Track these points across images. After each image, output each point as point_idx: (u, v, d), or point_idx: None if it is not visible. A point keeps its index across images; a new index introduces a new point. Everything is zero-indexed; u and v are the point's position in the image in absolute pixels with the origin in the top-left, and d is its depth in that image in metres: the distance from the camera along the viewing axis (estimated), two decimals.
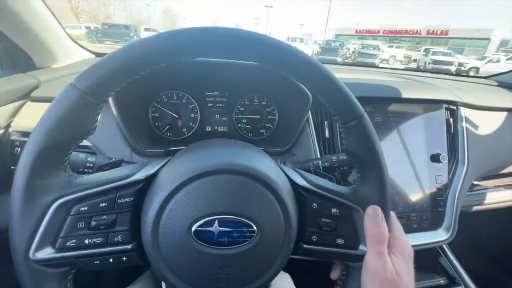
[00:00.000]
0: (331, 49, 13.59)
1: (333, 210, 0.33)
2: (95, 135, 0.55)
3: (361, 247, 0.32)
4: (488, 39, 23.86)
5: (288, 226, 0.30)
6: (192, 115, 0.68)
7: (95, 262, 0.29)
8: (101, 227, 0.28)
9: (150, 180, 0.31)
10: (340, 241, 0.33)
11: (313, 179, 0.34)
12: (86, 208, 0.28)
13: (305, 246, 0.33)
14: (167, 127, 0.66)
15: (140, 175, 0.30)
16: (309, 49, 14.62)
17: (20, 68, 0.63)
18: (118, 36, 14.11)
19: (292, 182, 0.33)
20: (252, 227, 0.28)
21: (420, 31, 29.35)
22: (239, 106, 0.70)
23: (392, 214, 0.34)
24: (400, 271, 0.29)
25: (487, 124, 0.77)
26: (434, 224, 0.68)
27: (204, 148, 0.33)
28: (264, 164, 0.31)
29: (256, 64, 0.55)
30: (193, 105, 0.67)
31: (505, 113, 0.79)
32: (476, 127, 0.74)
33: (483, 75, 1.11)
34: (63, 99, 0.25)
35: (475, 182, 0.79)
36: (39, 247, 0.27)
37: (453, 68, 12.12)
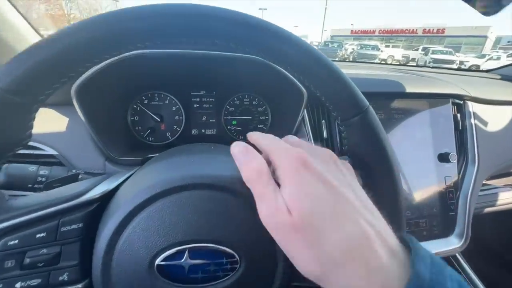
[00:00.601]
0: (329, 51, 13.37)
1: None
2: (62, 141, 0.50)
3: None
4: (485, 36, 23.97)
5: (281, 253, 0.23)
6: (176, 118, 0.62)
7: None
8: (39, 265, 0.22)
9: (105, 200, 0.25)
10: None
11: None
12: (16, 241, 0.22)
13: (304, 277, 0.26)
14: (149, 131, 0.60)
15: (94, 193, 0.24)
16: None
17: None
18: None
19: None
20: (233, 256, 0.22)
21: (416, 30, 29.49)
22: (228, 106, 0.64)
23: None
24: (292, 202, 0.18)
25: (495, 119, 0.72)
26: (445, 230, 0.62)
27: (175, 157, 0.27)
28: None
29: (246, 59, 0.51)
30: (177, 106, 0.62)
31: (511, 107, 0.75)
32: (484, 122, 0.70)
33: (484, 70, 1.09)
34: None
35: (485, 182, 0.74)
36: None
37: (454, 67, 11.94)
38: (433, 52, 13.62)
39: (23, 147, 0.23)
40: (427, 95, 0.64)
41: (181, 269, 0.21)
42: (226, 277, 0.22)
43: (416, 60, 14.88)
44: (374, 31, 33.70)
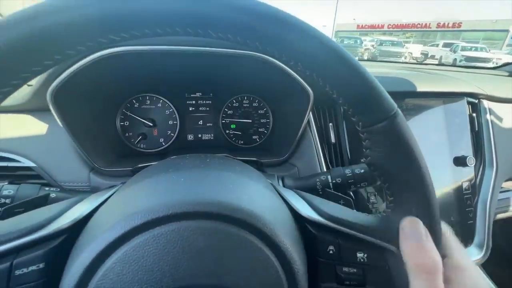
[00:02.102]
0: (348, 48, 12.94)
1: (359, 255, 0.23)
2: (40, 151, 0.45)
3: None
4: (506, 31, 22.07)
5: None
6: (170, 122, 0.59)
7: None
8: None
9: (76, 230, 0.20)
10: None
11: (325, 207, 0.25)
12: None
13: None
14: (140, 137, 0.57)
15: (60, 223, 0.20)
16: None
17: None
18: None
19: (296, 215, 0.24)
20: None
21: (430, 24, 27.70)
22: (226, 109, 0.61)
23: (447, 228, 0.24)
24: None
25: (510, 117, 0.70)
26: (464, 240, 0.59)
27: (163, 175, 0.23)
28: (252, 195, 0.22)
29: (245, 56, 0.47)
30: (171, 110, 0.59)
31: None
32: (501, 121, 0.67)
33: (490, 67, 1.07)
34: None
35: (502, 185, 0.72)
36: None
37: (490, 66, 10.37)
38: (463, 49, 11.37)
39: None
40: (440, 94, 0.61)
41: None
42: None
43: (439, 57, 12.82)
44: (382, 26, 32.02)
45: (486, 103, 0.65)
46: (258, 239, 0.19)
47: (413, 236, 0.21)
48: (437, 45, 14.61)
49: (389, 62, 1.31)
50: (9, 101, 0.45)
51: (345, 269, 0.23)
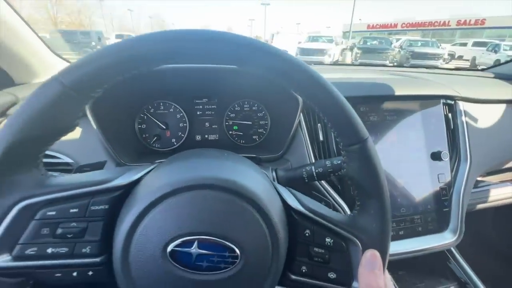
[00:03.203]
0: (376, 50, 9.80)
1: (327, 239, 0.31)
2: (76, 150, 0.56)
3: (355, 284, 0.30)
4: None
5: (276, 253, 0.28)
6: (180, 125, 0.68)
7: (56, 274, 0.27)
8: (68, 236, 0.27)
9: (129, 188, 0.29)
10: (332, 275, 0.31)
11: (308, 202, 0.32)
12: (54, 212, 0.26)
13: (293, 277, 0.31)
14: (155, 138, 0.67)
15: (120, 181, 0.29)
16: (338, 51, 11.13)
17: None
18: (76, 45, 11.80)
19: (285, 204, 0.32)
20: (235, 251, 0.26)
21: (449, 21, 25.68)
22: (229, 113, 0.70)
23: (387, 276, 0.31)
24: None
25: (487, 117, 0.77)
26: (439, 226, 0.67)
27: (192, 159, 0.32)
28: (256, 182, 0.30)
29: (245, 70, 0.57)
30: (181, 114, 0.68)
31: (504, 105, 0.79)
32: (476, 121, 0.75)
33: (479, 69, 1.14)
34: (45, 92, 0.24)
35: (479, 179, 0.79)
36: None
37: None
38: (508, 48, 9.98)
39: (66, 134, 0.28)
40: (418, 97, 0.69)
41: (189, 256, 0.25)
42: (226, 269, 0.26)
43: (470, 58, 11.91)
44: (395, 25, 29.79)
45: (461, 104, 0.73)
46: (257, 212, 0.27)
47: (370, 265, 0.29)
48: (465, 45, 13.65)
49: (373, 66, 1.38)
50: None
51: (316, 249, 0.31)
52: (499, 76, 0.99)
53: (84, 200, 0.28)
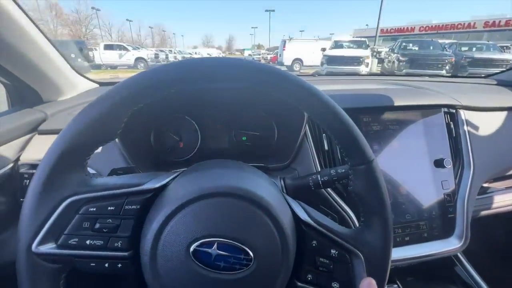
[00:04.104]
0: (428, 57, 7.59)
1: (332, 251, 0.34)
2: (98, 162, 0.62)
3: None
4: None
5: (286, 260, 0.31)
6: (193, 136, 0.73)
7: (91, 264, 0.31)
8: (104, 230, 0.30)
9: (158, 191, 0.33)
10: (335, 284, 0.33)
11: (316, 215, 0.35)
12: (94, 209, 0.31)
13: (299, 284, 0.33)
14: (169, 149, 0.72)
15: (150, 185, 0.33)
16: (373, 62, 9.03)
17: (28, 103, 0.70)
18: None
19: (295, 215, 0.35)
20: (249, 254, 0.29)
21: (474, 23, 23.49)
22: (238, 124, 0.75)
23: None
24: None
25: (489, 124, 0.79)
26: (445, 232, 0.69)
27: (215, 169, 0.36)
28: (270, 193, 0.33)
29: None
30: (194, 126, 0.73)
31: (505, 113, 0.81)
32: (478, 128, 0.77)
33: (482, 76, 1.16)
34: (97, 106, 0.29)
35: (485, 185, 0.80)
36: (42, 241, 0.29)
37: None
38: None
39: (110, 142, 0.32)
40: (419, 107, 0.72)
41: (209, 256, 0.29)
42: (241, 270, 0.29)
43: None
44: (412, 29, 27.70)
45: (463, 113, 0.76)
46: (270, 221, 0.30)
47: None
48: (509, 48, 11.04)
49: (375, 76, 1.41)
50: None
51: (321, 259, 0.34)
52: (501, 83, 1.01)
53: (120, 200, 0.32)
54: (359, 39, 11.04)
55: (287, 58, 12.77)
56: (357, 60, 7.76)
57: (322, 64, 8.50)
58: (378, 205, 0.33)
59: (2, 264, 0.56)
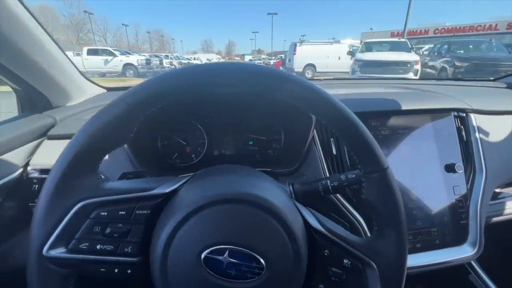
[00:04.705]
0: (498, 62, 5.95)
1: (345, 260, 0.33)
2: (105, 165, 0.62)
3: None
4: None
5: (298, 269, 0.30)
6: (199, 141, 0.73)
7: (101, 269, 0.30)
8: (114, 235, 0.30)
9: (169, 196, 0.33)
10: None
11: (327, 223, 0.35)
12: (105, 213, 0.30)
13: None
14: (176, 154, 0.72)
15: (161, 190, 0.33)
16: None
17: (38, 109, 0.71)
18: None
19: (306, 223, 0.34)
20: (261, 263, 0.29)
21: (496, 25, 20.75)
22: (245, 128, 0.74)
23: None
24: None
25: (501, 128, 0.78)
26: (458, 239, 0.67)
27: (225, 174, 0.36)
28: (282, 201, 0.32)
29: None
30: (200, 131, 0.73)
31: None
32: (490, 132, 0.75)
33: (491, 78, 1.15)
34: (111, 109, 0.29)
35: (497, 190, 0.79)
36: (53, 245, 0.28)
37: None
38: None
39: (121, 146, 0.31)
40: (429, 111, 0.71)
41: (220, 263, 0.28)
42: (252, 279, 0.29)
43: None
44: (426, 31, 25.41)
45: (473, 116, 0.74)
46: (283, 229, 0.30)
47: None
48: None
49: (384, 80, 1.40)
50: None
51: (334, 269, 0.33)
52: (511, 86, 1.00)
53: (131, 204, 0.32)
54: (397, 39, 9.25)
55: (299, 63, 11.15)
56: (403, 66, 6.24)
57: (353, 71, 6.88)
58: (393, 214, 0.32)
59: (12, 268, 0.56)
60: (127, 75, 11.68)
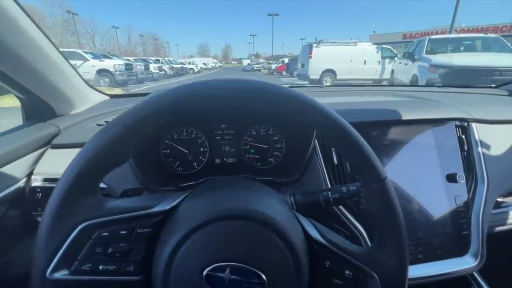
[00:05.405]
0: None
1: (347, 272, 0.33)
2: (111, 178, 0.62)
3: None
4: None
5: (299, 283, 0.30)
6: (201, 149, 0.73)
7: None
8: (117, 255, 0.31)
9: (169, 213, 0.33)
10: None
11: (328, 234, 0.35)
12: (107, 233, 0.31)
13: None
14: (178, 162, 0.72)
15: (161, 207, 0.33)
16: None
17: (42, 117, 0.72)
18: None
19: (307, 235, 0.34)
20: (262, 278, 0.29)
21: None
22: (246, 137, 0.75)
23: None
24: None
25: (503, 138, 0.78)
26: (460, 249, 0.67)
27: (224, 189, 0.36)
28: (282, 214, 0.33)
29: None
30: (202, 139, 0.74)
31: None
32: (491, 142, 0.75)
33: (493, 85, 1.14)
34: (110, 130, 0.29)
35: (499, 199, 0.78)
36: (56, 267, 0.29)
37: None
38: None
39: (120, 165, 0.32)
40: (430, 121, 0.72)
41: (222, 280, 0.29)
42: None
43: None
44: (444, 32, 19.28)
45: (474, 126, 0.75)
46: (283, 244, 0.30)
47: None
48: None
49: (385, 86, 1.40)
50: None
51: (335, 280, 0.33)
52: None
53: (132, 224, 0.32)
54: (482, 35, 6.17)
55: (315, 68, 9.00)
56: None
57: (429, 82, 4.74)
58: (393, 224, 0.32)
59: (16, 274, 0.57)
60: (102, 84, 9.67)
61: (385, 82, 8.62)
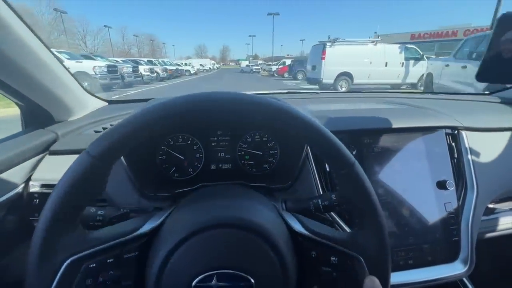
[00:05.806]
0: None
1: (332, 258, 0.35)
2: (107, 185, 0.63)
3: None
4: None
5: (286, 278, 0.32)
6: (197, 155, 0.75)
7: None
8: (107, 283, 0.31)
9: (154, 233, 0.34)
10: None
11: (311, 225, 0.36)
12: (94, 264, 0.31)
13: None
14: (174, 168, 0.74)
15: (145, 229, 0.34)
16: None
17: (41, 124, 0.73)
18: None
19: (291, 230, 0.36)
20: (250, 281, 0.30)
21: None
22: (241, 143, 0.76)
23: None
24: None
25: (492, 145, 0.79)
26: (450, 255, 0.68)
27: (204, 200, 0.38)
28: (261, 214, 0.34)
29: None
30: (198, 146, 0.75)
31: (509, 133, 0.81)
32: (481, 149, 0.76)
33: (486, 93, 1.16)
34: (77, 166, 0.29)
35: (490, 206, 0.80)
36: None
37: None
38: None
39: (98, 198, 0.32)
40: (420, 129, 0.73)
41: None
42: None
43: None
44: (455, 33, 22.29)
45: (464, 133, 0.76)
46: (264, 243, 0.32)
47: None
48: None
49: (377, 93, 1.39)
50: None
51: (323, 268, 0.35)
52: (505, 101, 1.01)
53: (118, 251, 0.33)
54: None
55: (328, 71, 7.91)
56: None
57: None
58: (367, 205, 0.34)
59: (12, 278, 0.58)
60: None
61: (404, 87, 7.65)
